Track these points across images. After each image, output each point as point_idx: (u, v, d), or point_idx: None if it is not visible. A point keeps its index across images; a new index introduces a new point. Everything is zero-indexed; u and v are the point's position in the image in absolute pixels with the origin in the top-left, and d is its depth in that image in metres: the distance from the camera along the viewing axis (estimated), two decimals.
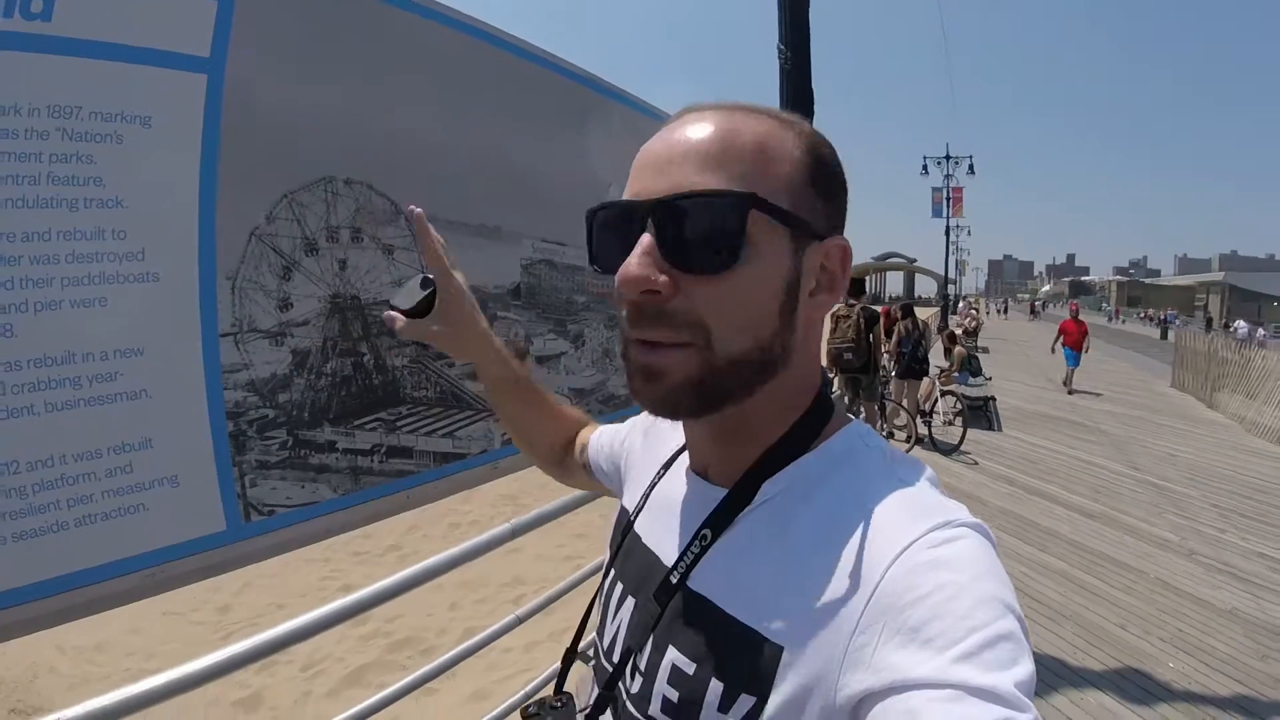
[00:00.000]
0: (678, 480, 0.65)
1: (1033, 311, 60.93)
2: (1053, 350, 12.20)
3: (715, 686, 0.49)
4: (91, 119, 0.82)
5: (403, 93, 1.17)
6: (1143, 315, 58.71)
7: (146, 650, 3.74)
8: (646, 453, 0.75)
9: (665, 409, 0.53)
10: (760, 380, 0.52)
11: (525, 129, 1.46)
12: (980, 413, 8.59)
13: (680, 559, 0.56)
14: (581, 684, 1.30)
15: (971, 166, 24.44)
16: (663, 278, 0.48)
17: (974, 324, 15.10)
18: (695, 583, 0.55)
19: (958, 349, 9.60)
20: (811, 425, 0.56)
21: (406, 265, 1.20)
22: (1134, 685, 3.05)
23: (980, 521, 0.47)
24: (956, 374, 9.10)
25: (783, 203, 0.49)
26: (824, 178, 0.53)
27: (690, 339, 0.49)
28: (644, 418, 0.80)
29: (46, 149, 0.81)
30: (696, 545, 0.56)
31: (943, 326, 14.87)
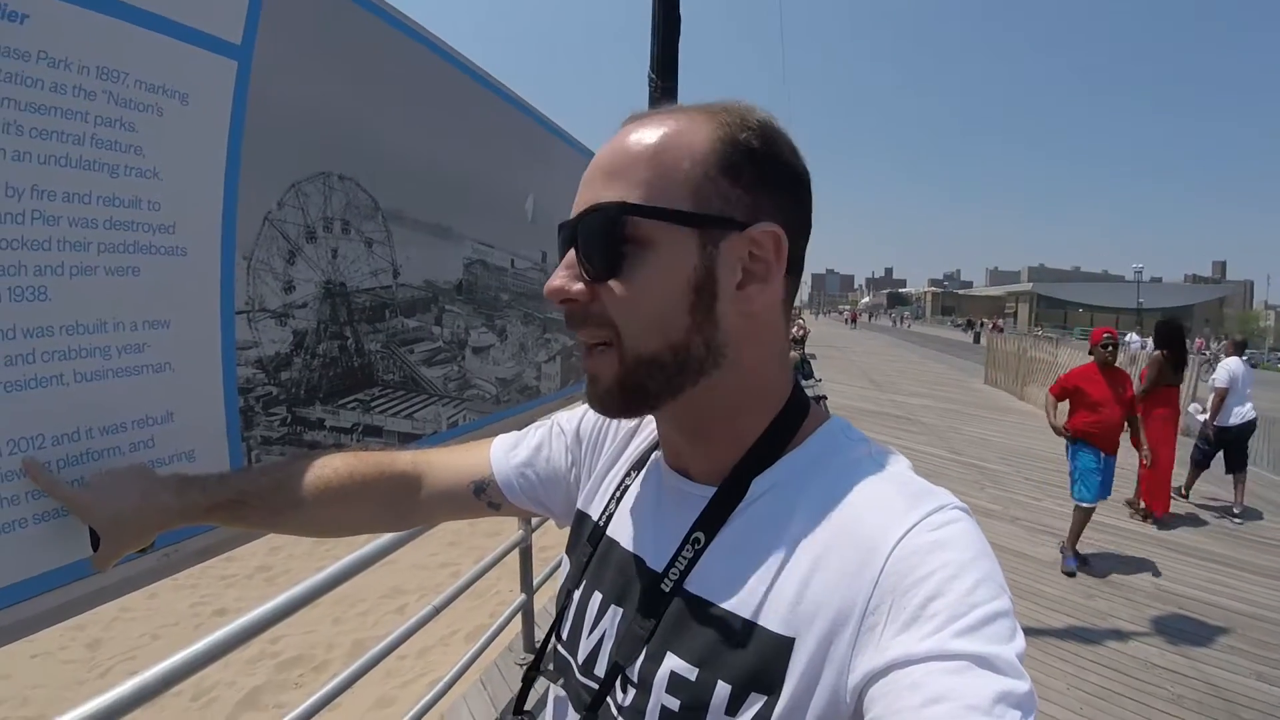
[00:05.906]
0: (654, 479, 0.63)
1: (852, 320, 63.07)
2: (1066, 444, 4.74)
3: (722, 689, 0.47)
4: (136, 87, 0.82)
5: (387, 102, 1.26)
6: (973, 324, 60.15)
7: (19, 696, 3.29)
8: (601, 455, 0.72)
9: (601, 408, 0.55)
10: (687, 379, 0.52)
11: (472, 143, 1.59)
12: None
13: (672, 564, 0.54)
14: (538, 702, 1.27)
15: None
16: (578, 286, 0.52)
17: (801, 333, 16.41)
18: (692, 585, 0.53)
19: (792, 354, 10.29)
20: (789, 422, 0.56)
21: (382, 258, 1.27)
22: None
23: (966, 505, 0.49)
24: None
25: (681, 202, 0.49)
26: (744, 165, 0.51)
27: (605, 337, 0.52)
28: (575, 422, 0.77)
29: (93, 110, 0.78)
30: (689, 549, 0.54)
31: None
